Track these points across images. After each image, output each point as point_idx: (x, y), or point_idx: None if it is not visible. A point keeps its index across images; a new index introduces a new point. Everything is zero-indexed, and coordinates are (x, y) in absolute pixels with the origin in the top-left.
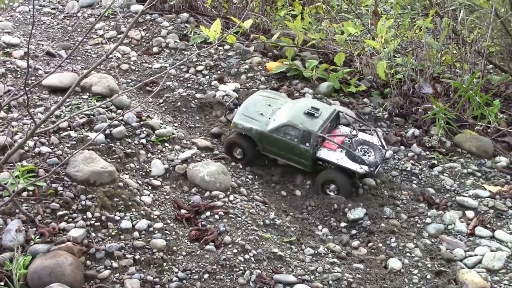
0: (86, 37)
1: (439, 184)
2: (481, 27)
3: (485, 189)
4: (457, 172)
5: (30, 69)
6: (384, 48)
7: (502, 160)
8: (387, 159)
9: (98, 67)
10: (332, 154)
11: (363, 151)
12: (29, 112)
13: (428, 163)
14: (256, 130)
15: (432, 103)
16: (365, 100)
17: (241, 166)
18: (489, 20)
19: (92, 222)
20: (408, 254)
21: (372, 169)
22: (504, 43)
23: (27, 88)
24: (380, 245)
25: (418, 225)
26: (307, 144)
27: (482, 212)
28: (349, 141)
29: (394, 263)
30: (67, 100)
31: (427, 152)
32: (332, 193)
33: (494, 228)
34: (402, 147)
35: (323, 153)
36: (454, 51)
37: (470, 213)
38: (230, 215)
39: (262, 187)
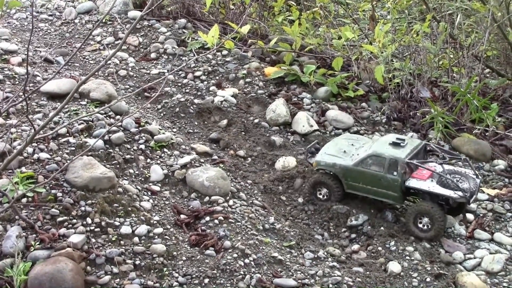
0: (84, 44)
1: None
2: (478, 31)
3: (484, 192)
4: None
5: (28, 76)
6: (382, 52)
7: (500, 163)
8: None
9: (96, 73)
10: (423, 183)
11: (455, 180)
12: (28, 119)
13: None
14: (340, 165)
15: (430, 107)
16: (363, 104)
17: (240, 172)
18: (486, 25)
19: (92, 228)
20: (407, 257)
21: (467, 194)
22: (501, 47)
23: (25, 95)
24: (380, 248)
25: None
26: (395, 173)
27: (481, 215)
28: (439, 170)
29: (394, 266)
30: (66, 106)
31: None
32: (424, 227)
33: (493, 231)
34: None
35: (412, 183)
36: (452, 55)
37: (469, 216)
38: (229, 220)
39: (261, 192)
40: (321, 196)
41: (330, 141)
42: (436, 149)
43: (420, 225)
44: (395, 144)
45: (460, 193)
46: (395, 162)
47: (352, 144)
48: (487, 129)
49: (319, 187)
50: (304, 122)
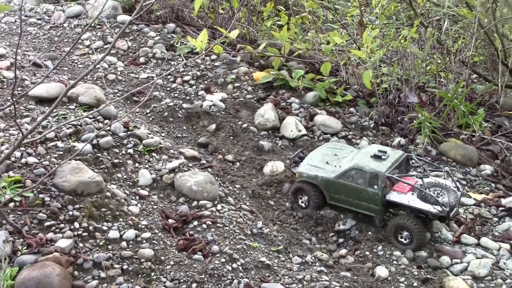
0: (72, 48)
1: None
2: (465, 37)
3: (470, 197)
4: None
5: (17, 80)
6: (370, 58)
7: (487, 168)
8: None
9: (85, 77)
10: (403, 197)
11: (436, 193)
12: (16, 123)
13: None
14: (322, 178)
15: (418, 112)
16: (351, 109)
17: (228, 176)
18: (472, 30)
19: (79, 232)
20: (395, 262)
21: (446, 209)
22: (487, 53)
23: (14, 99)
24: (367, 253)
25: None
26: (375, 187)
27: (468, 220)
28: (420, 183)
29: (381, 271)
30: (54, 110)
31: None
32: (404, 241)
33: (479, 236)
34: None
35: (393, 196)
36: (439, 61)
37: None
38: (217, 225)
39: (249, 196)
40: (302, 204)
41: (314, 150)
42: (418, 163)
43: (401, 238)
44: (376, 157)
45: (438, 207)
46: (375, 176)
47: (336, 154)
48: (474, 134)
49: (300, 194)
50: (292, 126)
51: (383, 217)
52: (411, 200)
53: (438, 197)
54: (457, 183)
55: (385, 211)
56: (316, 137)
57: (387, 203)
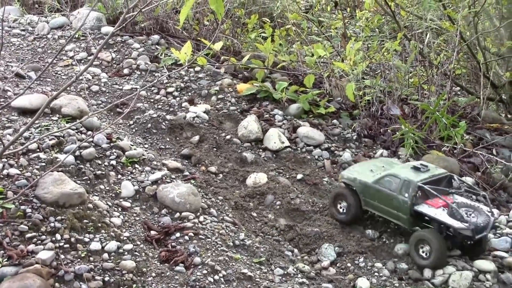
0: (56, 59)
1: None
2: (448, 50)
3: None
4: None
5: None
6: (353, 70)
7: (468, 180)
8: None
9: (68, 88)
10: (432, 210)
11: (467, 213)
12: None
13: None
14: (360, 181)
15: (400, 124)
16: (334, 121)
17: (211, 188)
18: (455, 43)
19: (61, 244)
20: (376, 273)
21: (472, 228)
22: (470, 66)
23: None
24: (349, 265)
25: (387, 245)
26: (406, 195)
27: None
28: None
29: (363, 283)
30: (37, 121)
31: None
32: (424, 255)
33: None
34: None
35: (422, 208)
36: (422, 73)
37: None
38: (200, 236)
39: (232, 208)
40: (340, 209)
41: (367, 161)
42: (458, 181)
43: (421, 252)
44: (415, 168)
45: (465, 224)
46: (407, 184)
47: (383, 166)
48: (456, 146)
49: (339, 199)
50: (275, 138)
51: (411, 229)
52: (438, 213)
53: (468, 217)
54: (493, 209)
55: (414, 223)
56: (299, 149)
57: (416, 214)
